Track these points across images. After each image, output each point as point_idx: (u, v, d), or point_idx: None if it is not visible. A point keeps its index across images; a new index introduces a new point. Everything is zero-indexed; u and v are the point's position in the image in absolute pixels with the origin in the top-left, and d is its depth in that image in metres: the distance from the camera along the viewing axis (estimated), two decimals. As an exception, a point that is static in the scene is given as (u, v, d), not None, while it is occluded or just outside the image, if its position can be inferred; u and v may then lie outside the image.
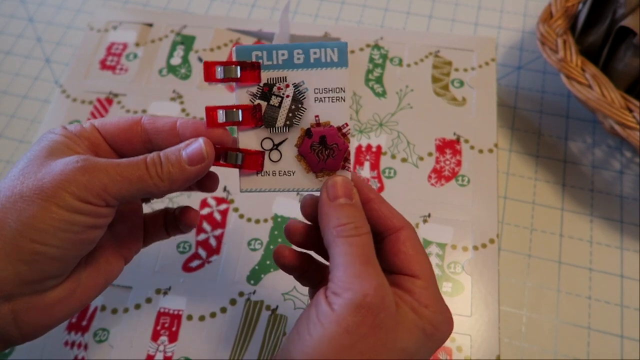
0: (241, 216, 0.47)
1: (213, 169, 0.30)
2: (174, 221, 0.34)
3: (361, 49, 0.56)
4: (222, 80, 0.29)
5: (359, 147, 0.50)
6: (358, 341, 0.24)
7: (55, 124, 0.54)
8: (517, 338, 0.46)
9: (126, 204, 0.33)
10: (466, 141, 0.50)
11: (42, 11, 0.72)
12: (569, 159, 0.57)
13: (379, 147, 0.50)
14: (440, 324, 0.27)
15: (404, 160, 0.49)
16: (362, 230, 0.28)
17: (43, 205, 0.25)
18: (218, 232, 0.47)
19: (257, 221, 0.47)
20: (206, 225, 0.47)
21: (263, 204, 0.47)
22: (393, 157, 0.50)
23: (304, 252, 0.33)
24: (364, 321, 0.25)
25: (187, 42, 0.57)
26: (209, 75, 0.29)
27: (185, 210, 0.34)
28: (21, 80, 0.66)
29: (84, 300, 0.30)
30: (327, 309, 0.25)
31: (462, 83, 0.53)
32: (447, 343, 0.41)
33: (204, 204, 0.48)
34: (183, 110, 0.53)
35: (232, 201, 0.48)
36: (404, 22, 0.68)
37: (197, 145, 0.28)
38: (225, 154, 0.30)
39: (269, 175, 0.30)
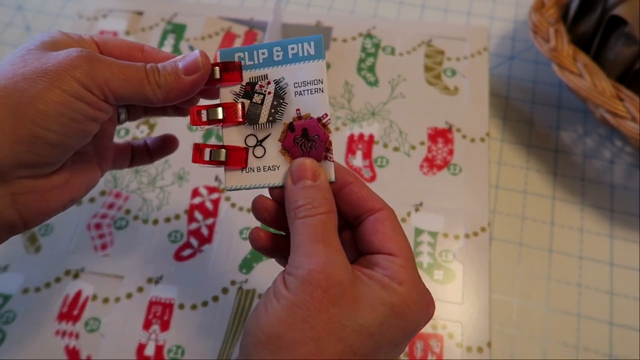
0: (233, 205, 0.47)
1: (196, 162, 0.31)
2: (147, 150, 0.36)
3: (353, 38, 0.55)
4: (206, 84, 0.30)
5: (351, 136, 0.50)
6: (310, 316, 0.24)
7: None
8: (507, 325, 0.47)
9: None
10: (458, 130, 0.50)
11: (31, -1, 0.71)
12: (560, 148, 0.57)
13: (371, 136, 0.50)
14: (415, 303, 0.27)
15: (396, 149, 0.49)
16: (318, 210, 0.27)
17: (47, 86, 0.25)
18: (210, 221, 0.47)
19: (249, 210, 0.47)
20: (198, 215, 0.47)
21: (255, 193, 0.47)
22: (385, 146, 0.50)
23: (280, 234, 0.32)
24: (313, 295, 0.25)
25: (178, 30, 0.57)
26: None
27: (164, 137, 0.35)
28: (10, 70, 0.65)
29: (74, 194, 0.30)
30: (282, 288, 0.26)
31: (454, 72, 0.53)
32: (439, 330, 0.42)
33: (196, 193, 0.48)
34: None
35: (223, 190, 0.48)
36: (396, 12, 0.68)
37: (193, 55, 0.29)
38: (210, 151, 0.30)
39: (253, 171, 0.30)
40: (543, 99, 0.60)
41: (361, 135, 0.50)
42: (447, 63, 0.54)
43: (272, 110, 0.30)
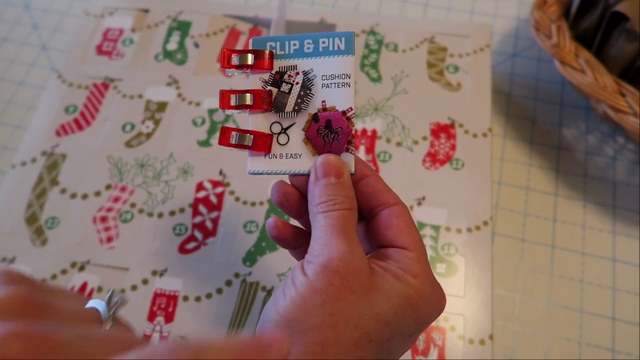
0: (237, 199, 0.48)
1: (223, 148, 0.31)
2: None
3: (357, 35, 0.56)
4: (237, 67, 0.31)
5: (355, 132, 0.50)
6: (327, 302, 0.25)
7: (52, 108, 0.54)
8: (510, 320, 0.47)
9: None
10: (460, 125, 0.51)
11: (38, -2, 0.72)
12: (562, 145, 0.57)
13: (374, 132, 0.50)
14: (428, 295, 0.27)
15: (398, 144, 0.50)
16: (342, 206, 0.28)
17: None
18: (214, 214, 0.47)
19: (253, 204, 0.47)
20: (202, 208, 0.47)
21: (259, 187, 0.48)
22: (388, 141, 0.50)
23: (297, 226, 0.33)
24: (332, 282, 0.25)
25: (183, 27, 0.57)
26: (225, 61, 0.31)
27: None
28: (17, 67, 0.66)
29: None
30: (300, 275, 0.26)
31: (456, 68, 0.54)
32: (441, 323, 0.42)
33: (200, 187, 0.48)
34: (179, 95, 0.53)
35: (228, 184, 0.48)
36: (400, 10, 0.68)
37: None
38: (237, 135, 0.31)
39: (276, 157, 0.31)
40: (545, 96, 0.60)
41: (364, 131, 0.50)
42: (449, 59, 0.54)
43: (299, 100, 0.30)
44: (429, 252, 0.45)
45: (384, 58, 0.55)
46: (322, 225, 0.27)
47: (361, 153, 0.49)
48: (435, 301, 0.28)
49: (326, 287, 0.25)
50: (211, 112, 0.52)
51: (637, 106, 0.46)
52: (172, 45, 0.57)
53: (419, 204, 0.47)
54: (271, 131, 0.31)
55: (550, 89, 0.61)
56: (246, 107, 0.30)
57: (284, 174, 0.31)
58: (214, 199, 0.48)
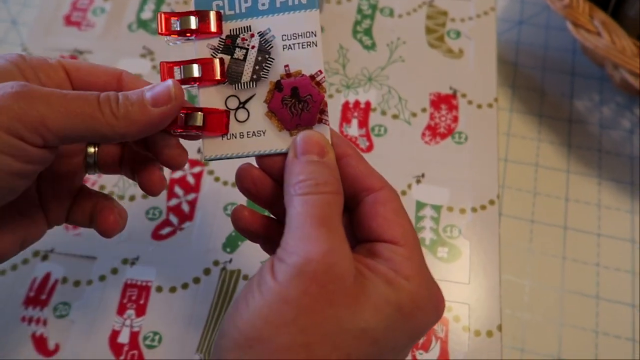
0: (217, 179, 0.44)
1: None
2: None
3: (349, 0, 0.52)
4: (178, 33, 0.27)
5: (346, 103, 0.47)
6: (300, 316, 0.20)
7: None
8: (519, 308, 0.44)
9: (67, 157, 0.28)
10: (463, 96, 0.48)
11: (7, -31, 0.67)
12: (574, 118, 0.54)
13: (367, 103, 0.47)
14: (424, 301, 0.23)
15: (395, 116, 0.46)
16: (324, 188, 0.24)
17: None
18: (191, 196, 0.43)
19: (234, 184, 0.43)
20: (178, 190, 0.44)
21: (239, 162, 0.44)
22: (383, 113, 0.46)
23: (268, 216, 0.29)
24: (307, 291, 0.21)
25: (158, -6, 0.53)
26: (165, 27, 0.27)
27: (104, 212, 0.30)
28: (-16, 43, 0.62)
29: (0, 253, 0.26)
30: (269, 277, 0.22)
31: (458, 34, 0.50)
32: (444, 312, 0.38)
33: (176, 166, 0.45)
34: (154, 67, 0.50)
35: (206, 163, 0.45)
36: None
37: (164, 85, 0.25)
38: (184, 116, 0.26)
39: (236, 137, 0.27)
40: (555, 66, 0.56)
41: (357, 103, 0.47)
42: (450, 24, 0.51)
43: (257, 67, 0.27)
44: (429, 235, 0.41)
45: (378, 24, 0.51)
46: (299, 213, 0.23)
47: (354, 127, 0.45)
48: (432, 308, 0.24)
49: (299, 297, 0.21)
50: (189, 85, 0.48)
51: (660, 70, 0.42)
52: (147, 14, 0.53)
53: (418, 182, 0.43)
54: (227, 107, 0.27)
55: (561, 58, 0.57)
56: (194, 80, 0.27)
57: (248, 156, 0.27)
58: (191, 180, 0.44)
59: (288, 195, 0.24)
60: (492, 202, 0.43)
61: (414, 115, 0.46)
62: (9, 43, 0.62)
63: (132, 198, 0.44)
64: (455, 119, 0.46)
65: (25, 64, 0.25)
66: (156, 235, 0.42)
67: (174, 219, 0.43)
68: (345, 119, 0.46)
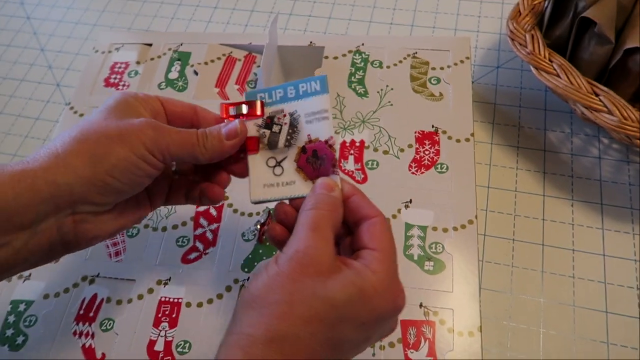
0: (235, 211, 0.51)
1: None
2: (194, 191, 0.40)
3: (344, 55, 0.60)
4: (234, 117, 0.37)
5: (344, 143, 0.53)
6: (288, 283, 0.29)
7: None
8: (504, 317, 0.48)
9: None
10: (444, 132, 0.53)
11: (53, 41, 0.78)
12: (548, 148, 0.59)
13: (362, 142, 0.53)
14: (384, 291, 0.31)
15: (385, 152, 0.52)
16: (322, 206, 0.33)
17: (121, 147, 0.32)
18: (214, 226, 0.50)
19: (250, 214, 0.50)
20: (203, 221, 0.50)
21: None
22: (375, 150, 0.53)
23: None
24: (294, 269, 0.30)
25: (183, 57, 0.62)
26: (225, 113, 0.38)
27: (210, 186, 0.39)
28: (34, 104, 0.71)
29: (123, 225, 0.36)
30: (273, 263, 0.31)
31: (438, 80, 0.57)
32: (431, 317, 0.43)
33: (201, 201, 0.52)
34: (180, 118, 0.57)
35: (227, 198, 0.51)
36: (387, 32, 0.72)
37: (233, 124, 0.36)
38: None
39: (274, 186, 0.36)
40: (529, 103, 0.63)
41: (352, 141, 0.53)
42: (431, 72, 0.57)
43: (288, 137, 0.37)
44: (417, 251, 0.47)
45: (369, 74, 0.58)
46: (300, 223, 0.32)
47: (350, 162, 0.52)
48: (389, 296, 0.31)
49: (289, 272, 0.30)
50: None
51: (611, 104, 0.48)
52: (174, 74, 0.61)
53: (406, 206, 0.49)
54: (267, 165, 0.37)
55: (534, 96, 0.63)
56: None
57: (283, 199, 0.36)
58: (213, 212, 0.51)
59: (299, 214, 0.33)
60: (471, 222, 0.48)
61: (402, 150, 0.52)
62: (54, 102, 0.72)
63: (164, 229, 0.50)
64: (438, 153, 0.52)
65: (138, 99, 0.36)
66: (185, 260, 0.48)
67: (199, 245, 0.49)
68: (343, 155, 0.53)
